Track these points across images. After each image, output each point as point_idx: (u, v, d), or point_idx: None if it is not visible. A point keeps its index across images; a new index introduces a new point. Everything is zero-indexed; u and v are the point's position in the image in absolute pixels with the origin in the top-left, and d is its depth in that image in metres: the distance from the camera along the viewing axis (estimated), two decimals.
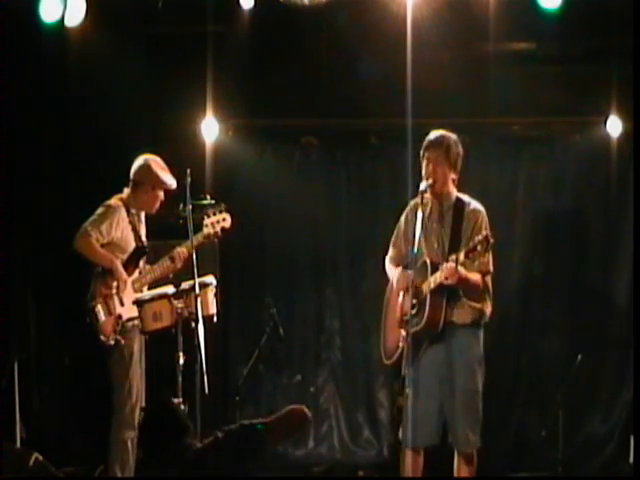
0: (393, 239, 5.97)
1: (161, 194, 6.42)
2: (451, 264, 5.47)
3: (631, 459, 6.90)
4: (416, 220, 5.48)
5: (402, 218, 5.93)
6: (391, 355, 5.82)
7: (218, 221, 6.36)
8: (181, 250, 6.29)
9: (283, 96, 7.66)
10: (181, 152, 7.39)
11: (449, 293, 5.60)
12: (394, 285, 5.87)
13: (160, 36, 7.68)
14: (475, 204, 5.78)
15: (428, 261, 5.63)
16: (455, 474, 5.76)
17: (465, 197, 5.80)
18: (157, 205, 6.45)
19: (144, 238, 6.50)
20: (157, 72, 7.73)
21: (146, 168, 6.37)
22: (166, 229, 6.60)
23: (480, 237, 5.42)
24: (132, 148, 6.56)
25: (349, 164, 8.06)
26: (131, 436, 6.24)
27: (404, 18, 6.77)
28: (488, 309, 5.71)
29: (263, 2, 6.96)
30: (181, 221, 6.21)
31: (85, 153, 7.51)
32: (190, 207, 6.09)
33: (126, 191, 6.42)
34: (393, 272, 5.91)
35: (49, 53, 7.21)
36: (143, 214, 6.51)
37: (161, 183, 6.37)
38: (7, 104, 6.84)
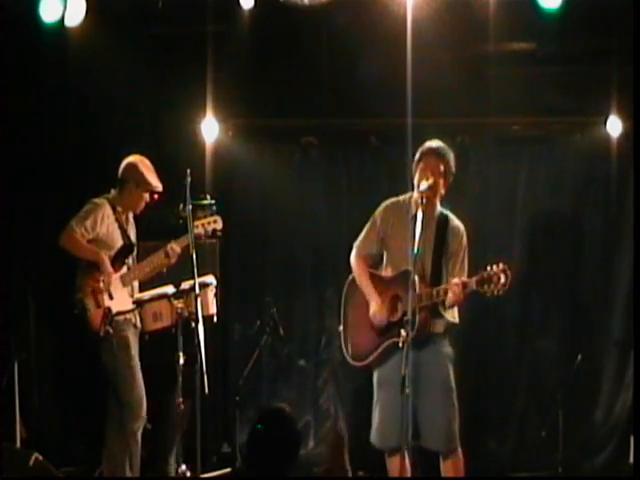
0: (364, 234, 5.94)
1: (146, 195, 6.42)
2: (458, 291, 5.46)
3: (631, 459, 6.90)
4: (415, 221, 5.44)
5: (377, 216, 5.90)
6: (363, 357, 5.83)
7: (209, 222, 6.38)
8: (174, 246, 6.31)
9: (283, 96, 7.66)
10: (181, 152, 7.41)
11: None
12: (370, 291, 5.83)
13: (160, 36, 7.68)
14: (457, 222, 5.83)
15: (412, 270, 5.47)
16: (443, 474, 5.75)
17: (448, 212, 5.83)
18: (142, 206, 6.45)
19: (133, 237, 6.50)
20: (157, 72, 7.73)
21: (132, 167, 6.40)
22: (166, 229, 6.60)
23: (497, 269, 5.39)
24: (132, 148, 6.56)
25: (349, 164, 8.07)
26: (140, 427, 6.25)
27: (404, 18, 6.77)
28: (457, 319, 5.76)
29: (263, 2, 6.96)
30: (181, 221, 6.21)
31: (85, 153, 7.51)
32: (190, 207, 6.09)
33: (113, 191, 6.45)
34: (362, 274, 5.88)
35: (49, 53, 7.21)
36: (131, 214, 6.52)
37: (145, 183, 6.38)
38: (7, 104, 6.84)
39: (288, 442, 3.99)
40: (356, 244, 5.98)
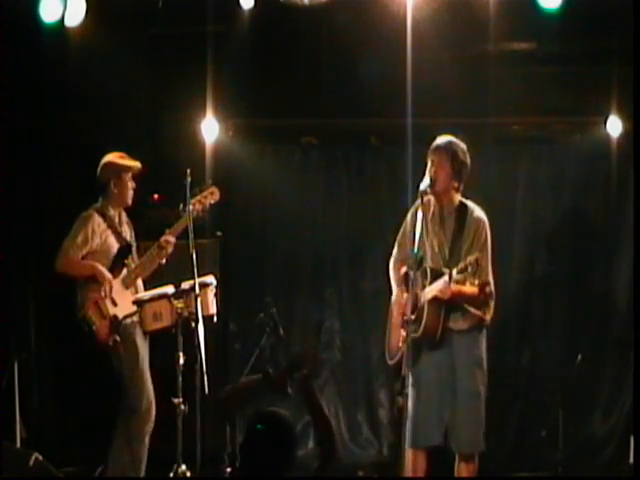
0: (398, 238, 5.98)
1: (130, 183, 6.42)
2: (444, 282, 5.48)
3: (631, 459, 6.89)
4: (417, 221, 5.47)
5: (407, 218, 5.91)
6: (394, 355, 5.84)
7: (205, 196, 6.36)
8: (168, 237, 6.30)
9: (283, 96, 7.65)
10: (181, 152, 7.40)
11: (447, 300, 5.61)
12: (394, 294, 5.89)
13: (160, 36, 7.68)
14: (478, 212, 5.77)
15: (428, 269, 5.62)
16: (456, 475, 5.76)
17: (469, 203, 5.79)
18: (131, 194, 6.44)
19: (130, 237, 6.48)
20: (157, 72, 7.73)
21: (106, 164, 6.42)
22: (166, 229, 6.59)
23: (471, 258, 5.42)
24: (132, 148, 6.56)
25: (349, 164, 8.06)
26: (149, 431, 6.25)
27: (404, 18, 6.77)
28: (488, 315, 5.71)
29: (263, 2, 6.96)
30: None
31: (85, 153, 7.50)
32: (190, 207, 6.10)
33: (100, 199, 6.45)
34: (395, 277, 5.92)
35: (49, 53, 7.21)
36: (124, 214, 6.51)
37: (124, 168, 6.39)
38: (7, 104, 6.84)
39: (284, 443, 3.95)
40: (393, 254, 5.99)
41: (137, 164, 6.43)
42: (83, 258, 6.30)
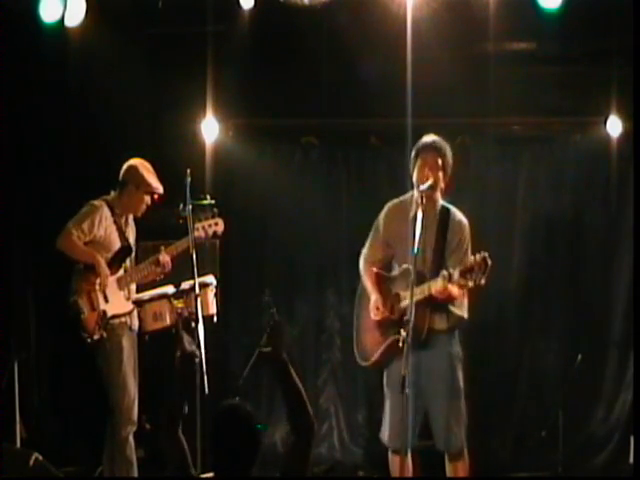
0: (370, 240, 5.95)
1: (147, 198, 6.35)
2: (442, 283, 5.46)
3: (631, 459, 6.90)
4: (415, 220, 5.41)
5: (380, 220, 5.89)
6: (369, 357, 5.83)
7: (210, 225, 6.35)
8: (164, 256, 6.25)
9: (283, 96, 7.66)
10: (181, 152, 7.40)
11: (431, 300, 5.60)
12: (371, 288, 5.87)
13: (160, 36, 7.68)
14: (460, 215, 5.77)
15: (412, 269, 5.46)
16: (448, 475, 5.76)
17: (450, 206, 5.78)
18: (142, 208, 6.37)
19: (132, 239, 6.44)
20: (157, 72, 7.74)
21: (133, 169, 6.33)
22: (166, 229, 6.59)
23: (478, 258, 5.39)
24: (132, 148, 6.56)
25: (349, 164, 8.06)
26: (131, 432, 6.23)
27: (404, 18, 6.78)
28: (466, 314, 5.73)
29: (263, 2, 6.96)
30: (181, 221, 6.20)
31: (85, 153, 7.51)
32: (190, 207, 6.09)
33: (113, 193, 6.40)
34: (368, 277, 5.89)
35: (49, 53, 7.22)
36: (131, 216, 6.47)
37: (146, 185, 6.31)
38: (7, 104, 6.84)
39: (243, 440, 3.98)
40: (363, 251, 5.98)
41: (159, 188, 6.33)
42: (85, 245, 6.28)
